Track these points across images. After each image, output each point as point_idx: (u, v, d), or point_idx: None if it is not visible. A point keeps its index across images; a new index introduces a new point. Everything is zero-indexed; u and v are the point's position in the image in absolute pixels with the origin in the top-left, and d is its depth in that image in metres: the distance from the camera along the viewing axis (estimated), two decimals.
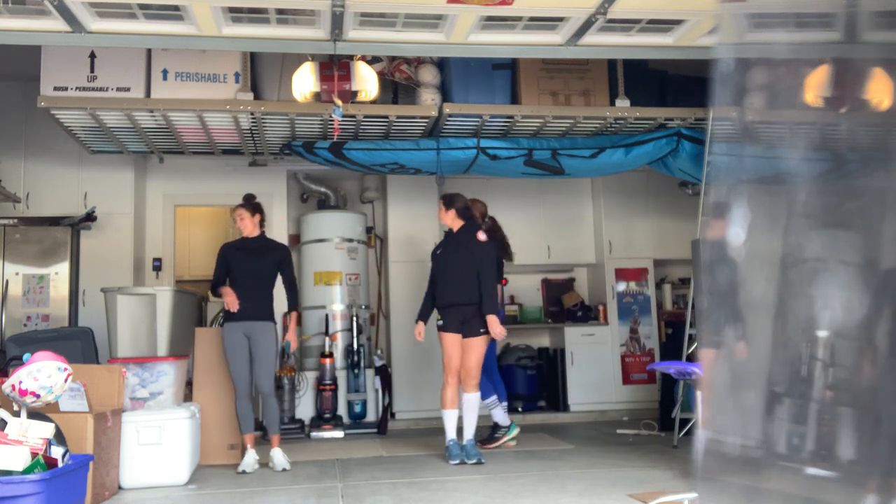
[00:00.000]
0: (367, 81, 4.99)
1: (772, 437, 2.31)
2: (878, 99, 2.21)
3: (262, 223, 5.14)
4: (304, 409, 6.78)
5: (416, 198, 7.46)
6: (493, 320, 4.95)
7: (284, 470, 4.86)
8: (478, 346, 5.00)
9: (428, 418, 7.13)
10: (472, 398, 4.97)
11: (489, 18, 4.15)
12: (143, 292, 5.02)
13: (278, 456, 4.95)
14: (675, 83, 6.24)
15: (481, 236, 5.13)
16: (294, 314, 5.15)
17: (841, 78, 2.26)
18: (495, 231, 5.78)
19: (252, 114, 5.70)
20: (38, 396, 3.29)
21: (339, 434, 6.53)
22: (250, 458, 4.91)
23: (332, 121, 5.39)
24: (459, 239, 5.17)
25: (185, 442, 4.57)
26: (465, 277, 5.06)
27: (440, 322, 5.13)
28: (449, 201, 5.26)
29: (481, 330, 5.00)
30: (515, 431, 5.74)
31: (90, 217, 6.59)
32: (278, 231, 7.40)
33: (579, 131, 6.32)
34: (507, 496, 3.94)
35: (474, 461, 4.89)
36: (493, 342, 5.55)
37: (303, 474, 4.78)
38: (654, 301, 7.73)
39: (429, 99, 5.83)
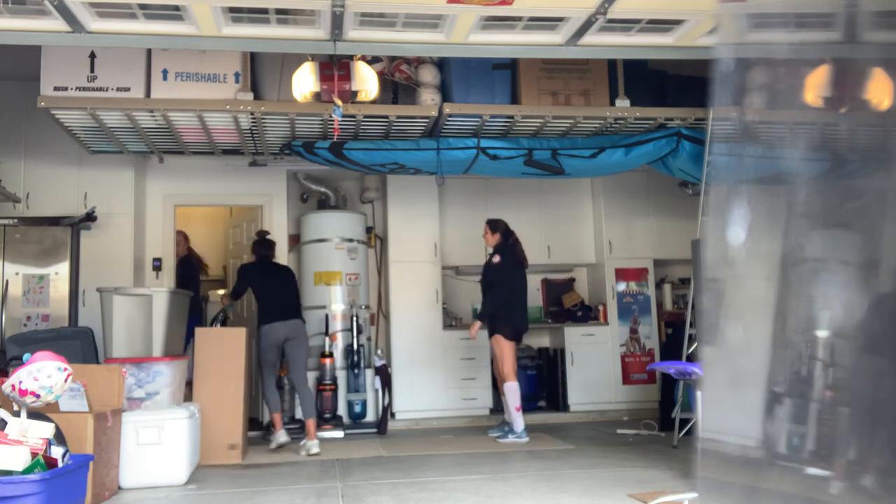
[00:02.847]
0: (367, 81, 4.99)
1: (772, 437, 2.31)
2: (878, 99, 2.21)
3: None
4: None
5: (416, 198, 7.46)
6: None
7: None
8: (493, 346, 6.22)
9: (428, 418, 7.14)
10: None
11: (489, 18, 4.14)
12: (139, 293, 5.02)
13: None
14: (675, 83, 6.23)
15: (494, 259, 6.24)
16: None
17: (841, 78, 2.25)
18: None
19: (252, 114, 5.70)
20: (38, 396, 3.29)
21: (339, 434, 6.53)
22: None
23: (332, 121, 5.39)
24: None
25: (185, 442, 4.58)
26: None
27: None
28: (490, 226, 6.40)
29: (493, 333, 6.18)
30: None
31: (90, 217, 6.58)
32: (278, 231, 7.39)
33: (579, 131, 6.31)
34: (507, 496, 3.95)
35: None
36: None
37: (303, 474, 4.78)
38: (654, 301, 7.73)
39: (429, 99, 5.83)
